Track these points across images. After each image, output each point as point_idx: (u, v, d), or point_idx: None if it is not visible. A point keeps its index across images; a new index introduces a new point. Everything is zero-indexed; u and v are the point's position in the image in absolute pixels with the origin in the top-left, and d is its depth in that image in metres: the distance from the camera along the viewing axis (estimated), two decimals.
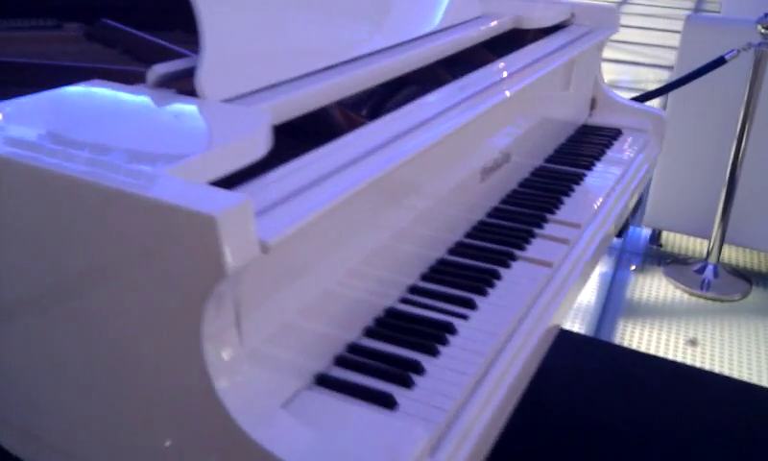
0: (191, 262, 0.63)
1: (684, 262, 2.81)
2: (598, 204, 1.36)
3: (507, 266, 1.11)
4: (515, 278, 1.08)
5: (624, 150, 1.64)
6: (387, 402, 0.80)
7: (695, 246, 2.98)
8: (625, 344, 2.33)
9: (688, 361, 2.28)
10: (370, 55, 1.22)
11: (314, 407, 0.78)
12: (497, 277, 1.08)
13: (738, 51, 2.51)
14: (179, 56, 1.43)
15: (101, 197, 0.66)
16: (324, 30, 1.15)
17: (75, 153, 0.71)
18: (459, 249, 1.16)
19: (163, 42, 1.52)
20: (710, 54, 2.58)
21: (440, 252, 1.13)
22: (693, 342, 2.39)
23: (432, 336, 0.93)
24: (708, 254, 2.74)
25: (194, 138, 0.78)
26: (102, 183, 0.66)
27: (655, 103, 2.88)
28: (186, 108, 0.87)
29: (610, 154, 1.62)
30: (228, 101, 0.94)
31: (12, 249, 0.75)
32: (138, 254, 0.66)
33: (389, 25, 1.31)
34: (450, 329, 0.95)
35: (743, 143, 2.60)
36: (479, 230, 1.22)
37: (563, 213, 1.30)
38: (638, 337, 2.37)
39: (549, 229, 1.25)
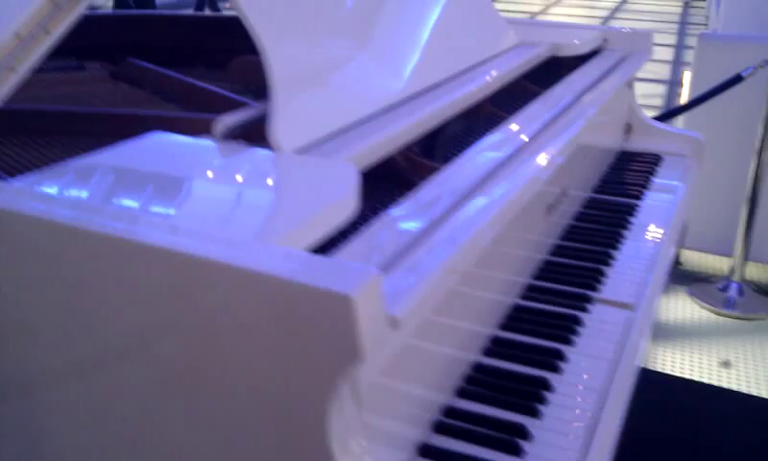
0: (315, 347, 0.57)
1: (707, 281, 2.78)
2: (659, 236, 1.32)
3: (586, 310, 1.07)
4: (597, 323, 1.04)
5: (669, 176, 1.61)
6: None
7: (714, 263, 2.95)
8: (658, 368, 2.29)
9: (724, 383, 2.24)
10: (427, 91, 1.17)
11: None
12: (579, 323, 1.03)
13: (755, 68, 2.50)
14: (211, 95, 1.38)
15: (202, 271, 0.60)
16: (383, 67, 1.10)
17: (163, 220, 0.65)
18: (532, 293, 1.11)
19: (193, 80, 1.46)
20: (724, 71, 2.56)
21: (512, 297, 1.08)
22: (726, 364, 2.35)
23: (529, 395, 0.87)
24: (732, 271, 2.71)
25: (287, 200, 0.72)
26: (204, 257, 0.60)
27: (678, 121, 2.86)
28: (267, 163, 0.82)
29: (656, 181, 1.58)
30: (301, 151, 0.89)
31: (90, 324, 0.69)
32: (248, 339, 0.60)
33: (440, 59, 1.27)
34: (546, 386, 0.89)
35: (763, 159, 2.58)
36: (547, 270, 1.17)
37: (628, 249, 1.26)
38: (671, 360, 2.33)
39: (618, 266, 1.20)
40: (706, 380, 2.23)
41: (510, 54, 1.48)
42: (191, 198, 0.72)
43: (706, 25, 7.69)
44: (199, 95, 1.34)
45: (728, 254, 2.79)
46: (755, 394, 2.18)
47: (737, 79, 2.51)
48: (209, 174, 0.78)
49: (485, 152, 1.03)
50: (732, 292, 2.68)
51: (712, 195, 2.78)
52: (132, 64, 1.57)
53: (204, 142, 0.89)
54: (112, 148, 0.84)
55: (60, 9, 0.77)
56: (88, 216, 0.66)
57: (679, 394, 2.15)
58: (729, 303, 2.64)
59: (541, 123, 1.17)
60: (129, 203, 0.70)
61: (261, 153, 0.84)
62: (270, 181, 0.77)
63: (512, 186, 0.89)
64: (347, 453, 0.60)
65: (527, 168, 0.97)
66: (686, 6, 9.47)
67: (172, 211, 0.68)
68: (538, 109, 1.24)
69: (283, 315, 0.57)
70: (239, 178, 0.77)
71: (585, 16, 8.62)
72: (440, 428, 0.82)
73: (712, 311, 2.60)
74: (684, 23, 8.22)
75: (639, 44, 1.73)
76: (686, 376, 2.25)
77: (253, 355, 0.60)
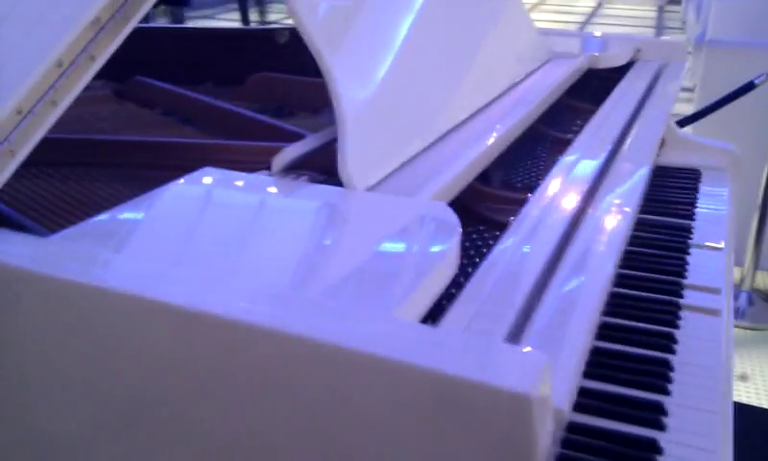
0: (472, 452, 0.46)
1: None
2: (724, 263, 1.24)
3: (673, 352, 0.97)
4: (688, 368, 0.94)
5: (713, 193, 1.53)
6: None
7: None
8: None
9: (743, 398, 2.18)
10: (479, 113, 1.07)
11: None
12: (670, 368, 0.93)
13: (767, 75, 2.45)
14: (239, 117, 1.26)
15: (314, 356, 0.49)
16: (439, 90, 1.00)
17: (250, 290, 0.54)
18: (607, 332, 1.01)
19: (213, 101, 1.35)
20: (732, 78, 2.51)
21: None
22: (744, 377, 2.29)
23: None
24: (742, 281, 2.66)
25: (389, 254, 0.61)
26: (317, 340, 0.49)
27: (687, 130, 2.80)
28: (351, 206, 0.71)
29: (701, 199, 1.50)
30: (373, 188, 0.78)
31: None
32: (377, 438, 0.49)
33: (489, 78, 1.17)
34: (657, 449, 0.80)
35: None
36: (617, 304, 1.07)
37: (695, 277, 1.17)
38: None
39: (691, 297, 1.11)
40: None
41: (551, 68, 1.39)
42: (275, 255, 0.61)
43: (682, 29, 7.75)
44: (226, 118, 1.23)
45: (738, 263, 2.74)
46: None
47: (750, 86, 2.46)
48: (291, 224, 0.67)
49: (566, 181, 0.93)
50: (742, 302, 2.63)
51: None
52: (141, 83, 1.45)
53: (265, 179, 0.77)
54: (160, 191, 0.72)
55: (105, 30, 0.65)
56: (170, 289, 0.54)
57: None
58: (738, 314, 2.58)
59: (611, 145, 1.08)
60: (203, 267, 0.59)
61: (340, 193, 0.73)
62: (363, 230, 0.66)
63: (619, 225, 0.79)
64: None
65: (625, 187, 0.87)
66: (660, 10, 9.54)
67: (253, 276, 0.57)
68: (600, 130, 1.15)
69: (431, 414, 0.46)
70: (326, 227, 0.66)
71: (561, 22, 8.62)
72: None
73: None
74: (659, 28, 8.26)
75: (674, 54, 1.65)
76: None
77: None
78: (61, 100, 0.63)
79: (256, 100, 1.50)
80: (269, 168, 1.07)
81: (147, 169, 1.01)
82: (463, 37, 1.15)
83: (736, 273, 2.84)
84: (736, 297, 2.66)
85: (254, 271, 0.58)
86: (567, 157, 1.01)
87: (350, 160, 0.75)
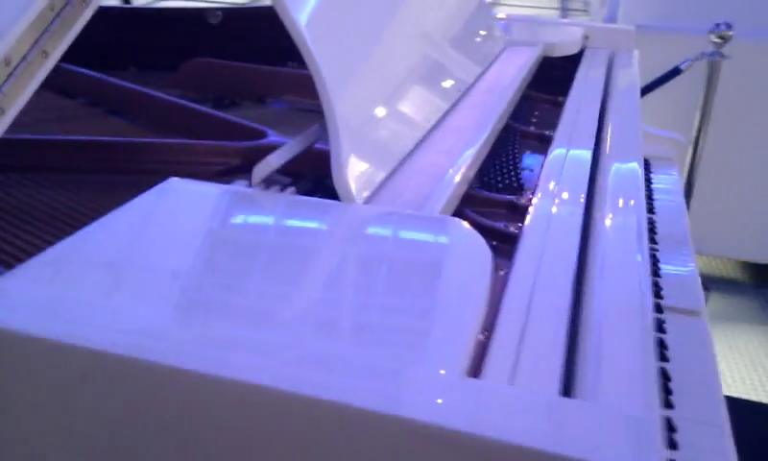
0: None
1: None
2: (690, 250, 1.23)
3: (663, 332, 0.95)
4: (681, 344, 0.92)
5: (665, 182, 1.52)
6: None
7: None
8: None
9: None
10: (451, 110, 1.00)
11: None
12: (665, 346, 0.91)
13: (693, 61, 2.50)
14: (163, 105, 1.13)
15: (364, 428, 0.40)
16: (416, 85, 0.91)
17: (264, 340, 0.45)
18: None
19: (139, 88, 1.20)
20: (661, 63, 2.55)
21: None
22: None
23: None
24: None
25: (418, 290, 0.52)
26: (370, 409, 0.40)
27: None
28: (359, 225, 0.61)
29: (657, 192, 1.49)
30: (369, 199, 0.69)
31: None
32: None
33: (457, 72, 1.09)
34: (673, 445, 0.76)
35: (699, 152, 2.60)
36: None
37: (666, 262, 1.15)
38: None
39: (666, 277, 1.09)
40: None
41: (510, 58, 1.33)
42: (285, 293, 0.51)
43: (585, 11, 7.95)
44: (163, 110, 1.09)
45: None
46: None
47: (676, 71, 2.50)
48: (295, 251, 0.57)
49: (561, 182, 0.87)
50: None
51: None
52: (59, 68, 1.28)
53: (249, 193, 0.67)
54: (124, 211, 0.61)
55: (62, 19, 0.52)
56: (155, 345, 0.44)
57: None
58: None
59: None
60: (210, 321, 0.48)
61: (341, 208, 0.64)
62: (382, 256, 0.56)
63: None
64: None
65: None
66: None
67: (268, 326, 0.47)
68: (577, 126, 1.10)
69: None
70: (337, 254, 0.57)
71: None
72: None
73: None
74: (564, 9, 8.44)
75: (622, 42, 1.63)
76: None
77: None
78: (10, 106, 0.51)
79: (192, 88, 1.37)
80: (223, 172, 0.96)
81: (94, 173, 0.88)
82: (429, 27, 1.07)
83: None
84: None
85: (269, 319, 0.48)
86: (555, 154, 0.95)
87: (348, 170, 0.65)
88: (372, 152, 0.72)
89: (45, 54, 0.53)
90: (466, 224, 0.61)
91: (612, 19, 4.65)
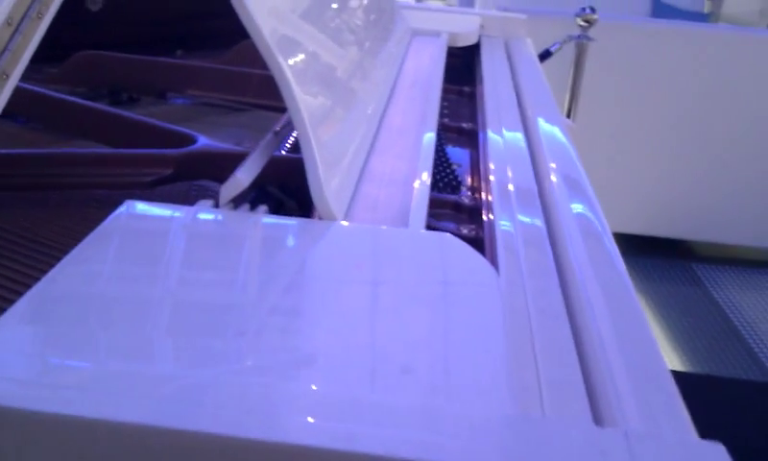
0: None
1: None
2: None
3: None
4: None
5: None
6: None
7: None
8: None
9: None
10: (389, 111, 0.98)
11: None
12: None
13: (561, 44, 2.62)
14: (47, 101, 1.02)
15: None
16: (360, 85, 0.89)
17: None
18: None
19: (25, 85, 1.09)
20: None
21: None
22: None
23: None
24: None
25: (432, 324, 0.50)
26: None
27: None
28: (354, 249, 0.58)
29: None
30: (347, 215, 0.66)
31: None
32: None
33: (385, 67, 1.07)
34: None
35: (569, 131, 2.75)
36: None
37: None
38: None
39: None
40: None
41: (422, 48, 1.32)
42: (293, 333, 0.48)
43: None
44: (55, 110, 0.99)
45: None
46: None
47: (546, 54, 2.61)
48: (291, 281, 0.53)
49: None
50: None
51: None
52: None
53: (221, 215, 0.62)
54: (82, 250, 0.54)
55: None
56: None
57: None
58: None
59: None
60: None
61: (325, 228, 0.60)
62: (386, 285, 0.54)
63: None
64: None
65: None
66: None
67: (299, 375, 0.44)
68: (500, 113, 1.11)
69: None
70: (343, 284, 0.54)
71: None
72: None
73: None
74: None
75: (514, 30, 1.67)
76: None
77: None
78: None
79: (81, 83, 1.25)
80: (155, 182, 0.89)
81: (9, 190, 0.78)
82: (352, 21, 1.04)
83: None
84: None
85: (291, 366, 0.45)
86: (493, 144, 0.96)
87: (325, 187, 0.62)
88: (339, 162, 0.69)
89: (40, 16, 0.48)
90: (459, 240, 0.60)
91: (469, 3, 4.77)
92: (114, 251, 0.55)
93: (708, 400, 2.08)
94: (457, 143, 1.15)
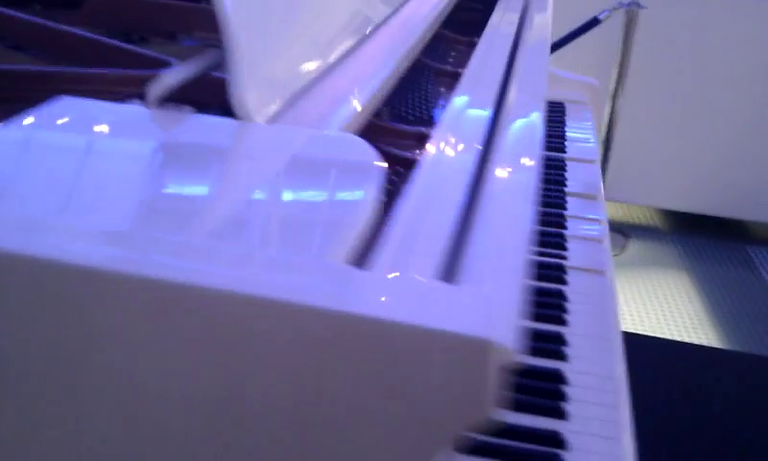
0: (425, 404, 0.41)
1: None
2: (599, 190, 1.27)
3: (565, 283, 0.98)
4: (581, 296, 0.95)
5: (579, 127, 1.57)
6: None
7: None
8: None
9: None
10: (366, 39, 1.00)
11: None
12: (564, 298, 0.94)
13: (611, 11, 2.56)
14: (70, 38, 1.09)
15: (254, 312, 0.42)
16: (328, 9, 0.91)
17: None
18: None
19: (45, 21, 1.16)
20: (578, 14, 2.60)
21: None
22: None
23: (550, 393, 0.77)
24: None
25: (306, 194, 0.54)
26: (265, 296, 0.41)
27: None
28: (252, 141, 0.62)
29: (569, 133, 1.54)
30: (273, 119, 0.69)
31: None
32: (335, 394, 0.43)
33: (371, 7, 1.09)
34: (562, 379, 0.80)
35: (617, 102, 2.68)
36: None
37: (574, 208, 1.19)
38: None
39: (573, 227, 1.13)
40: None
41: None
42: (176, 203, 0.51)
43: None
44: (71, 44, 1.06)
45: None
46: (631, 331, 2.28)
47: (595, 22, 2.56)
48: (189, 164, 0.57)
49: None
50: None
51: None
52: None
53: (143, 111, 0.66)
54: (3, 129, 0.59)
55: None
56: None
57: None
58: None
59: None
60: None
61: (238, 126, 0.64)
62: (273, 169, 0.57)
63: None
64: None
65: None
66: None
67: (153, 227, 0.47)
68: (485, 70, 1.12)
69: (382, 367, 0.41)
70: (230, 166, 0.57)
71: None
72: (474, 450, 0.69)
73: None
74: None
75: None
76: None
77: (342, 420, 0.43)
78: None
79: (99, 25, 1.33)
80: (138, 97, 0.94)
81: None
82: None
83: None
84: None
85: (155, 222, 0.48)
86: (458, 98, 0.97)
87: (245, 87, 0.65)
88: (273, 75, 0.72)
89: None
90: (358, 138, 0.63)
91: None
92: (40, 131, 0.60)
93: (745, 377, 2.01)
94: (451, 88, 1.17)
